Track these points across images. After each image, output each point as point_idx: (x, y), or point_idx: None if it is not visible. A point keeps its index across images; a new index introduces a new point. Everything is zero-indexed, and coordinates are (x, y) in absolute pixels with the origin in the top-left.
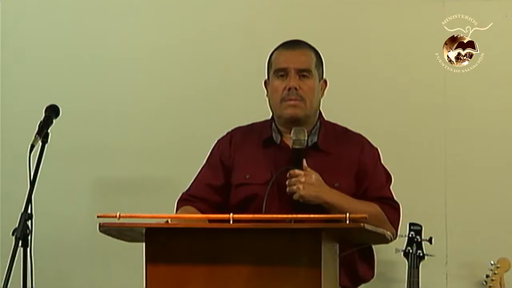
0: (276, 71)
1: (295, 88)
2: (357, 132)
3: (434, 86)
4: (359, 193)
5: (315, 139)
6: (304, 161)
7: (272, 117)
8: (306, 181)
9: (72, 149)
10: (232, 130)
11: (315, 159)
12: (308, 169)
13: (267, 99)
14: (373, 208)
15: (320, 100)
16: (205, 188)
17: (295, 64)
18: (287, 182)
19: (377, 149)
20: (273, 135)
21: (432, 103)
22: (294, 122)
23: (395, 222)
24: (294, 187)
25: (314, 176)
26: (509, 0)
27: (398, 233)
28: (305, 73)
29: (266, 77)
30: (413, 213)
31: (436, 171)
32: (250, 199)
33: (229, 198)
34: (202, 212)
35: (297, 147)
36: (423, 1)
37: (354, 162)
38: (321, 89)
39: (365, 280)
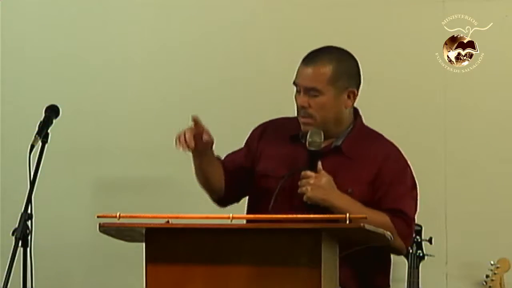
0: (294, 82)
1: (304, 107)
2: (394, 144)
3: (434, 86)
4: (373, 202)
5: (339, 143)
6: (320, 163)
7: None
8: (314, 183)
9: (72, 149)
10: (268, 121)
11: (334, 162)
12: (322, 171)
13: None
14: (381, 218)
15: (341, 112)
16: (233, 161)
17: (303, 82)
18: (299, 183)
19: (405, 163)
20: (300, 133)
21: (432, 103)
22: None
23: (404, 236)
24: (304, 188)
25: (324, 179)
26: (509, 0)
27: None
28: (313, 92)
29: None
30: None
31: (436, 171)
32: (266, 191)
33: (251, 187)
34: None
35: (312, 149)
36: (423, 1)
37: (374, 170)
38: (350, 98)
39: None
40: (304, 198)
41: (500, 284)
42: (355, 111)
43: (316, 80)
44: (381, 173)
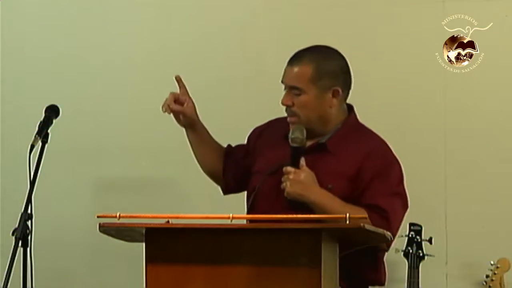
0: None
1: (287, 105)
2: (383, 140)
3: (434, 86)
4: (354, 197)
5: (324, 140)
6: (302, 160)
7: None
8: (293, 178)
9: (72, 149)
10: (270, 121)
11: (316, 159)
12: (304, 167)
13: None
14: (357, 213)
15: (326, 110)
16: (234, 150)
17: (287, 81)
18: (282, 179)
19: (390, 159)
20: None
21: (432, 103)
22: None
23: None
24: (284, 184)
25: (304, 175)
26: (509, 0)
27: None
28: (295, 91)
29: None
30: (413, 213)
31: (436, 171)
32: (255, 188)
33: (247, 184)
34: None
35: (294, 145)
36: (423, 1)
37: (356, 165)
38: (335, 97)
39: (374, 284)
40: (285, 193)
41: (500, 284)
42: (350, 108)
43: (298, 79)
44: (363, 169)
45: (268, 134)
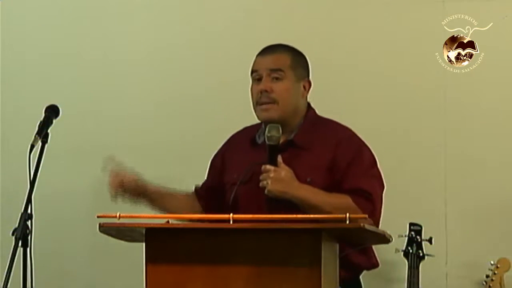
0: (252, 73)
1: (266, 91)
2: (348, 128)
3: (434, 86)
4: (333, 186)
5: (292, 136)
6: (280, 157)
7: None
8: (274, 177)
9: (72, 149)
10: (233, 134)
11: (291, 155)
12: (282, 165)
13: None
14: (342, 200)
15: (299, 101)
16: (203, 186)
17: (266, 65)
18: (260, 178)
19: (358, 143)
20: (257, 135)
21: (432, 103)
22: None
23: (370, 213)
24: (264, 182)
25: (284, 172)
26: (509, 0)
27: (381, 223)
28: (276, 75)
29: None
30: (413, 213)
31: (436, 171)
32: (234, 198)
33: (225, 198)
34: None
35: (271, 143)
36: (423, 1)
37: (329, 156)
38: (305, 89)
39: (363, 268)
40: (265, 191)
41: (500, 284)
42: (308, 105)
43: (278, 62)
44: (336, 158)
45: (232, 150)
